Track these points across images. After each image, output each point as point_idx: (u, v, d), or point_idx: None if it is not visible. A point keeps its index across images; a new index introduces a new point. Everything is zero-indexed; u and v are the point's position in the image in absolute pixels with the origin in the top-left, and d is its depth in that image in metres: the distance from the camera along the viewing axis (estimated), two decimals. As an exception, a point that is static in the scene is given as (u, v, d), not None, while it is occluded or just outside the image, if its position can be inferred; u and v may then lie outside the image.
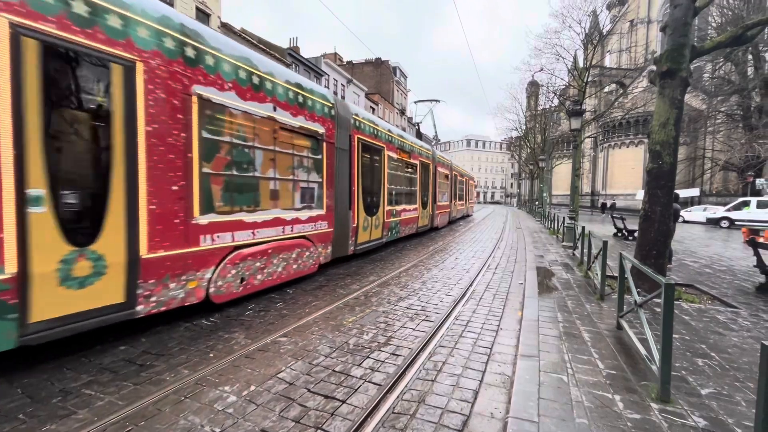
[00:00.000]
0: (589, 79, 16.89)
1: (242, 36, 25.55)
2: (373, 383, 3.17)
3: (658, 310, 2.90)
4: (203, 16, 22.61)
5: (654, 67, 6.00)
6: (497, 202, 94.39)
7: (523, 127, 39.49)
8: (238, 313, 4.95)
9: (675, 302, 3.54)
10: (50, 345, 3.63)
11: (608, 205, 33.66)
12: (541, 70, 21.57)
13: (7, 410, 2.69)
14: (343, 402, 2.88)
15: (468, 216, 28.04)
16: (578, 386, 3.05)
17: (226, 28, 24.33)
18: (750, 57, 25.38)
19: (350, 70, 46.06)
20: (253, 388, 3.04)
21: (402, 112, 56.86)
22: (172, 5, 20.01)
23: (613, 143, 46.13)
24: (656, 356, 2.93)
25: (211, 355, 3.66)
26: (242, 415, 2.68)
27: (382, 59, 51.36)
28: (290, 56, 29.93)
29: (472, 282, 6.92)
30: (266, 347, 3.83)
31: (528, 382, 3.11)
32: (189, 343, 3.96)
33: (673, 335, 3.13)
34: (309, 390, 3.04)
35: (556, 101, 24.97)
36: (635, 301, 3.71)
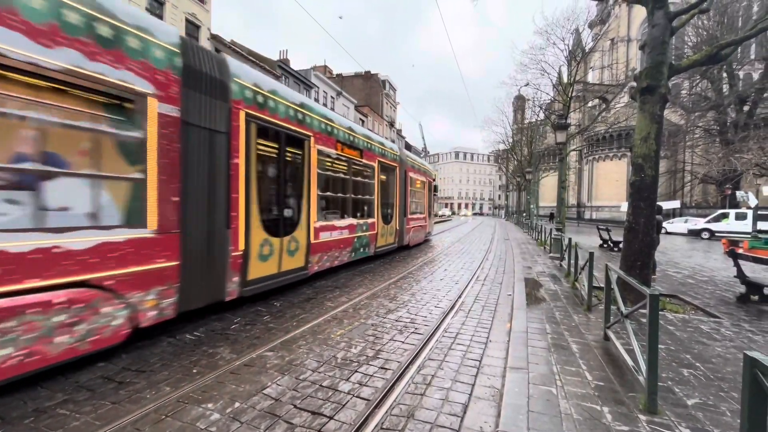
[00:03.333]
0: (574, 94, 17.35)
1: (232, 48, 25.61)
2: (362, 398, 3.11)
3: (644, 320, 2.93)
4: (193, 27, 22.64)
5: (635, 84, 6.19)
6: (480, 214, 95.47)
7: (510, 140, 40.22)
8: (223, 327, 4.84)
9: (660, 312, 3.59)
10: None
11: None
12: (527, 84, 22.14)
13: (-26, 433, 2.55)
14: (331, 418, 2.81)
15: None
16: (567, 398, 3.04)
17: (216, 40, 24.38)
18: (725, 75, 26.43)
19: (340, 82, 46.46)
20: (237, 405, 2.96)
21: (391, 124, 57.40)
22: (161, 17, 20.02)
23: (597, 156, 47.26)
24: (643, 367, 2.95)
25: (195, 371, 3.55)
26: (226, 433, 2.60)
27: (372, 72, 52.01)
28: (280, 68, 30.09)
29: (461, 294, 6.91)
30: (252, 362, 3.74)
31: (517, 394, 3.10)
32: (171, 358, 3.84)
33: (659, 346, 3.16)
34: (295, 406, 2.96)
35: (542, 115, 25.54)
36: (621, 311, 3.75)
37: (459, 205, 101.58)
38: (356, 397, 3.13)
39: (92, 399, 3.01)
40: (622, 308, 3.77)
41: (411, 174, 13.70)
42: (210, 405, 2.94)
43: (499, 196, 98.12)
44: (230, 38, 27.30)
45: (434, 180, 17.89)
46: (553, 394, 3.10)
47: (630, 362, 3.38)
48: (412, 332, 4.75)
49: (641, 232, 5.71)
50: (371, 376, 3.52)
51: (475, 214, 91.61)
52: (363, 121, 44.55)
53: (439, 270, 9.45)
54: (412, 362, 3.83)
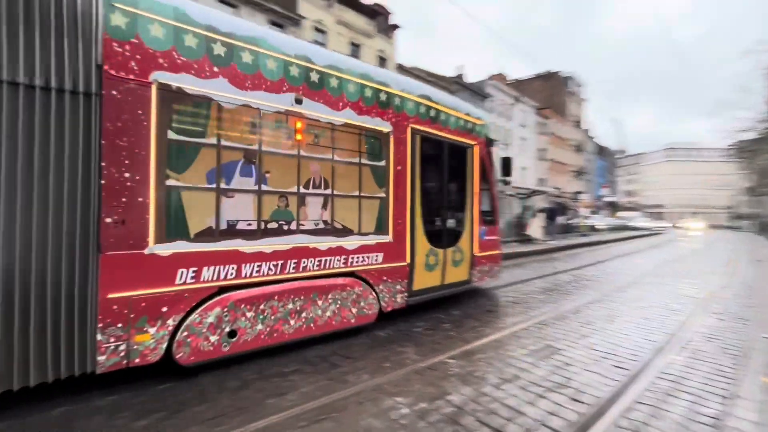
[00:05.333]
0: None
1: (413, 73, 28.12)
2: (551, 428, 2.83)
3: None
4: (382, 60, 26.00)
5: None
6: (720, 227, 71.28)
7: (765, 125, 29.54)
8: (408, 328, 5.27)
9: None
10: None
11: None
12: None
13: (247, 380, 3.57)
14: (516, 441, 2.67)
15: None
16: None
17: (401, 69, 27.25)
18: None
19: (518, 87, 44.42)
20: (423, 405, 3.15)
21: (578, 123, 51.09)
22: (357, 57, 23.79)
23: None
24: None
25: (387, 365, 3.99)
26: (414, 429, 2.81)
27: (552, 71, 47.70)
28: (456, 84, 31.10)
29: (682, 326, 5.46)
30: (435, 366, 3.93)
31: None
32: (368, 350, 4.43)
33: None
34: (478, 420, 2.94)
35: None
36: None
37: (675, 215, 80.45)
38: (544, 425, 2.88)
39: (313, 373, 3.77)
40: None
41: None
42: (400, 399, 3.24)
43: (743, 202, 72.87)
44: (411, 64, 30.02)
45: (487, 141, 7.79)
46: None
47: None
48: (613, 365, 4.04)
49: None
50: (561, 405, 3.16)
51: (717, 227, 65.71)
52: (544, 125, 41.21)
53: (646, 291, 7.72)
54: (613, 401, 3.25)
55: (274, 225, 4.05)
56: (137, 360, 3.21)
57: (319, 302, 4.39)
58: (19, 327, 2.68)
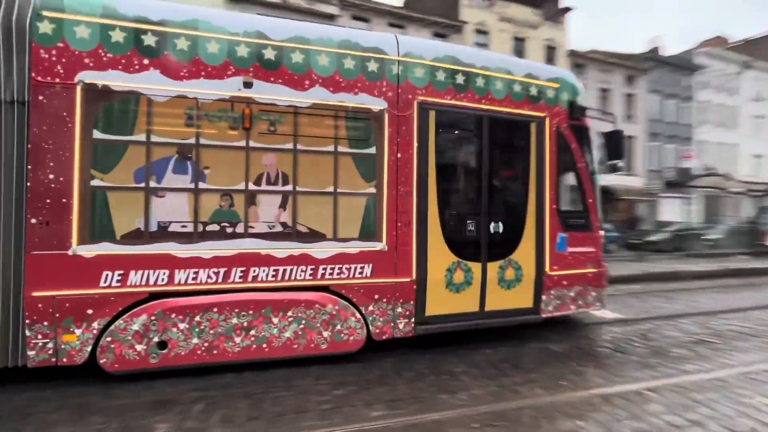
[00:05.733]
0: None
1: (590, 57, 24.72)
2: None
3: None
4: (551, 50, 23.81)
5: None
6: None
7: None
8: (588, 344, 4.67)
9: None
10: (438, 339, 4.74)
11: None
12: None
13: (421, 372, 3.83)
14: None
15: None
16: None
17: (574, 56, 24.37)
18: None
19: (747, 49, 33.46)
20: (614, 436, 2.74)
21: None
22: (522, 52, 22.42)
23: None
24: None
25: (564, 383, 3.62)
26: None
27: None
28: (650, 60, 25.81)
29: None
30: (626, 395, 3.35)
31: None
32: (540, 363, 4.12)
33: None
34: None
35: None
36: None
37: None
38: None
39: (482, 377, 3.74)
40: None
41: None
42: (582, 423, 2.89)
43: None
44: (587, 48, 26.41)
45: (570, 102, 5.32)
46: None
47: None
48: None
49: None
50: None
51: None
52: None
53: None
54: None
55: (215, 227, 3.62)
56: (65, 359, 3.23)
57: (275, 320, 3.72)
58: None
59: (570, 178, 5.16)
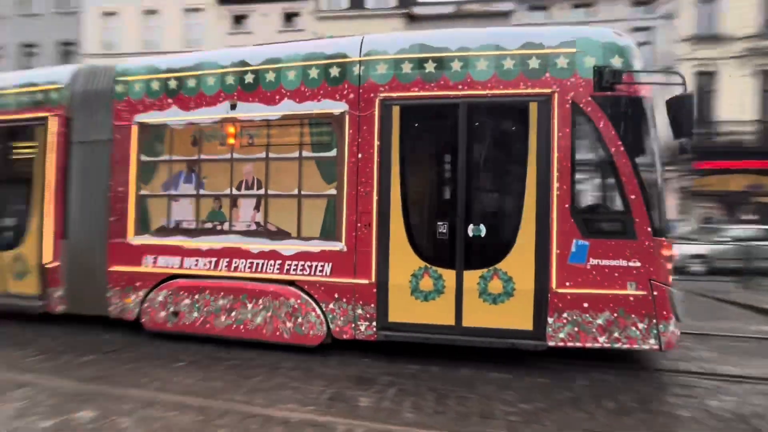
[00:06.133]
0: None
1: None
2: None
3: None
4: None
5: None
6: None
7: None
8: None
9: None
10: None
11: None
12: None
13: (625, 405, 3.25)
14: None
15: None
16: None
17: None
18: None
19: None
20: None
21: None
22: None
23: None
24: None
25: None
26: None
27: None
28: None
29: None
30: None
31: None
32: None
33: None
34: None
35: None
36: None
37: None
38: None
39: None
40: None
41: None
42: None
43: None
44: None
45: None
46: None
47: None
48: None
49: None
50: None
51: None
52: None
53: None
54: None
55: (209, 225, 4.61)
56: (124, 316, 4.79)
57: (249, 305, 4.36)
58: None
59: (601, 169, 3.99)
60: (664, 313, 3.59)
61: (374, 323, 4.07)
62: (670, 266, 3.79)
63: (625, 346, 3.66)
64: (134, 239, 4.78)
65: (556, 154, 3.71)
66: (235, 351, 4.37)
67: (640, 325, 3.59)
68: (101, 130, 4.96)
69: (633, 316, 3.60)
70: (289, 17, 19.96)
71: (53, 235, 5.09)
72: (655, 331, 3.56)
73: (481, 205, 4.23)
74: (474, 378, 3.72)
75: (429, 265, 3.96)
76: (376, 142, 4.09)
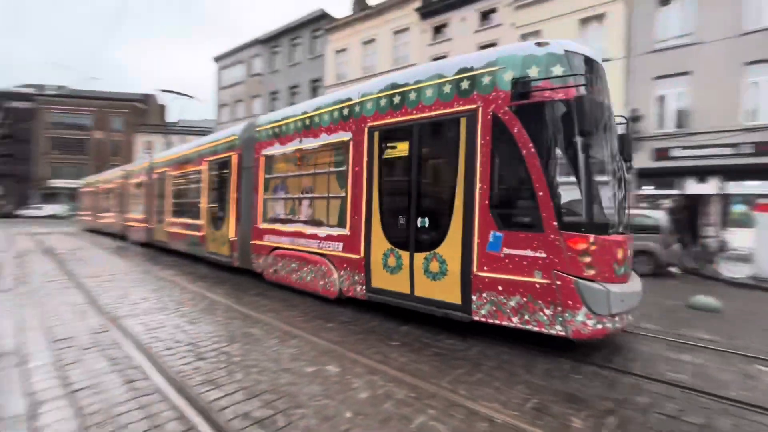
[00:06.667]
0: None
1: None
2: None
3: None
4: None
5: None
6: None
7: None
8: None
9: None
10: None
11: None
12: None
13: None
14: None
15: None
16: None
17: None
18: None
19: None
20: None
21: None
22: None
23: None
24: None
25: None
26: None
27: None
28: None
29: None
30: None
31: None
32: None
33: None
34: None
35: None
36: None
37: None
38: None
39: None
40: None
41: None
42: None
43: None
44: None
45: None
46: None
47: None
48: None
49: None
50: None
51: None
52: None
53: None
54: None
55: (290, 217, 7.34)
56: (258, 270, 7.91)
57: (305, 268, 6.73)
58: None
59: (515, 169, 4.28)
60: (570, 302, 3.81)
61: (364, 287, 5.64)
62: (587, 259, 3.83)
63: (536, 329, 4.05)
64: (261, 225, 7.83)
65: (479, 159, 4.39)
66: (442, 339, 4.75)
67: (547, 312, 3.96)
68: (251, 160, 8.16)
69: (540, 302, 4.00)
70: (485, 15, 19.76)
71: (234, 221, 8.54)
72: (560, 319, 3.88)
73: (426, 202, 5.04)
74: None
75: (393, 247, 5.23)
76: (365, 159, 5.64)
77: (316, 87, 26.62)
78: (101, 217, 20.15)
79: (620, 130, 4.85)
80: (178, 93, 18.39)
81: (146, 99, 52.98)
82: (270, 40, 29.70)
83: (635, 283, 4.40)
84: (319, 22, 26.43)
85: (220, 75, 34.70)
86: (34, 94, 50.17)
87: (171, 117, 56.78)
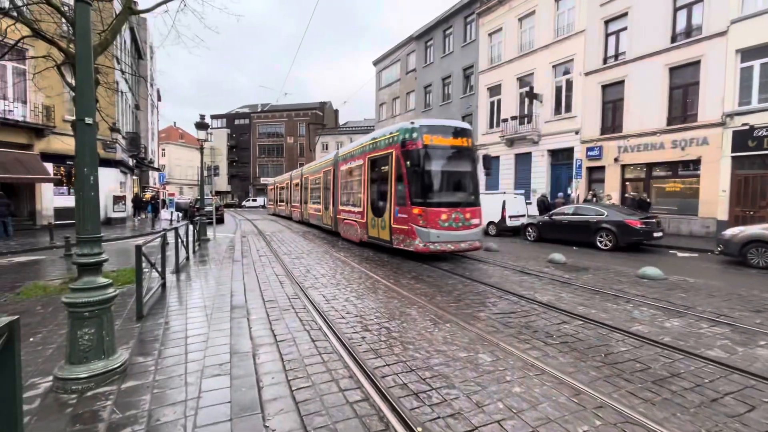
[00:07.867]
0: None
1: None
2: None
3: None
4: None
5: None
6: None
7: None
8: None
9: None
10: None
11: None
12: None
13: None
14: None
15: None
16: None
17: None
18: None
19: None
20: None
21: None
22: None
23: None
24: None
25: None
26: None
27: None
28: None
29: None
30: None
31: None
32: None
33: None
34: None
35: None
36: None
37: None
38: None
39: None
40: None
41: None
42: None
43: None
44: None
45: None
46: None
47: None
48: None
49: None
50: None
51: None
52: None
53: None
54: None
55: (350, 202, 13.16)
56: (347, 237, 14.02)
57: (352, 228, 12.82)
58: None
59: (402, 178, 9.40)
60: (413, 236, 9.07)
61: (367, 236, 11.30)
62: (421, 218, 8.89)
63: (408, 249, 9.30)
64: (338, 208, 14.50)
65: (394, 174, 9.70)
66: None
67: (408, 240, 9.26)
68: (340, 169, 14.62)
69: (407, 237, 9.25)
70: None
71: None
72: (411, 243, 9.20)
73: (378, 196, 10.76)
74: None
75: (375, 217, 10.76)
76: (367, 173, 11.38)
77: (468, 74, 26.09)
78: (278, 205, 31.34)
79: (481, 154, 11.22)
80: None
81: (322, 106, 62.10)
82: (423, 35, 30.44)
83: (465, 233, 9.07)
84: (471, 7, 25.65)
85: (379, 77, 37.60)
86: (249, 112, 65.60)
87: (341, 119, 65.21)
